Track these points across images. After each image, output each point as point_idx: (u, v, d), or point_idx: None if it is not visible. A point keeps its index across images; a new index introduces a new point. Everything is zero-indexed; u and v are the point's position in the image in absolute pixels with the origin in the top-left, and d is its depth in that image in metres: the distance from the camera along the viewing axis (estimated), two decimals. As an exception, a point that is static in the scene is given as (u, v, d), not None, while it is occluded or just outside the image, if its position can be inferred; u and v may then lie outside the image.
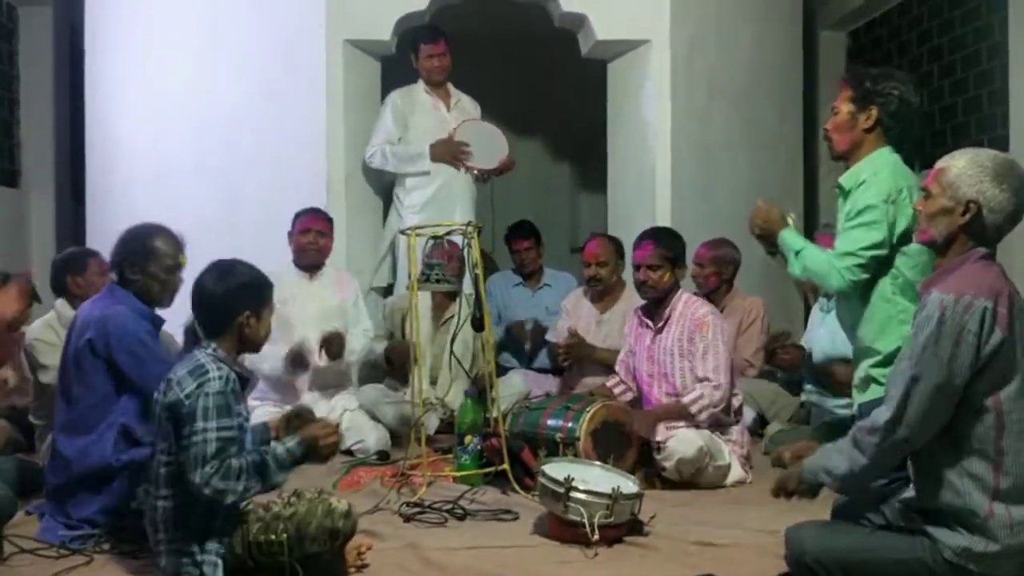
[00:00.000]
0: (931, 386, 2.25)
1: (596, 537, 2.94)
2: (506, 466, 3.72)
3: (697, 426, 3.82)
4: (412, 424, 3.99)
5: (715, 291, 4.96)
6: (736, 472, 3.86)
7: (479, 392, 4.07)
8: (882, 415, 2.32)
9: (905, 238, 2.90)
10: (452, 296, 4.81)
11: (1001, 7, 5.05)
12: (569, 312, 4.95)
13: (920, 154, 5.53)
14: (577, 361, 4.74)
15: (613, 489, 3.02)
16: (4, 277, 4.25)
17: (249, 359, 4.39)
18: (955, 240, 2.37)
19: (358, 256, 5.42)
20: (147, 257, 3.22)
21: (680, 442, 3.71)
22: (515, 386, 4.89)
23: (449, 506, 3.41)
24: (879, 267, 2.93)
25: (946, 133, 5.67)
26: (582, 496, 3.00)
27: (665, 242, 4.07)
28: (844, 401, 4.07)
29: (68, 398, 3.20)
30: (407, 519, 3.34)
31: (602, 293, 4.86)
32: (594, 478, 3.16)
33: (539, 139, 7.41)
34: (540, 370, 5.37)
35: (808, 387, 4.57)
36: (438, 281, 3.93)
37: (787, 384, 4.92)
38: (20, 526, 3.17)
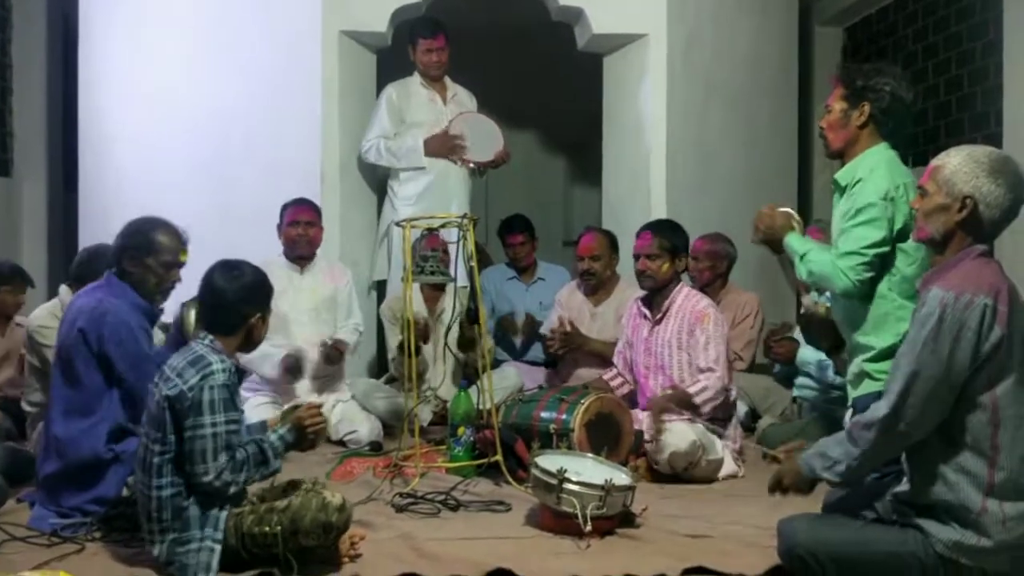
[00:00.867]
0: (930, 382, 2.26)
1: (588, 528, 2.94)
2: (499, 458, 3.72)
3: (692, 420, 3.83)
4: (405, 415, 3.99)
5: (709, 285, 4.98)
6: (728, 466, 3.87)
7: (471, 383, 4.07)
8: (880, 409, 2.33)
9: (903, 235, 2.90)
10: (441, 289, 4.80)
11: (996, 5, 5.06)
12: (563, 305, 4.96)
13: (913, 151, 5.56)
14: (570, 351, 4.74)
15: (606, 481, 3.02)
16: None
17: (246, 360, 4.42)
18: (953, 237, 2.38)
19: (352, 248, 5.40)
20: (147, 250, 3.21)
21: (673, 435, 3.71)
22: (508, 378, 4.90)
23: (442, 497, 3.42)
24: (882, 265, 2.93)
25: (940, 130, 5.69)
26: (575, 488, 3.00)
27: (665, 233, 4.08)
28: (835, 391, 4.10)
29: (61, 384, 3.19)
30: (400, 510, 3.34)
31: (595, 287, 4.87)
32: (587, 470, 3.17)
33: (534, 132, 7.41)
34: (533, 363, 5.37)
35: (799, 381, 4.59)
36: (432, 273, 3.93)
37: (781, 379, 4.94)
38: (11, 514, 3.18)
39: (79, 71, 5.64)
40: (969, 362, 2.25)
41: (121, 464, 3.06)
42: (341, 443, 4.47)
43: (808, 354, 4.37)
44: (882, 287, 2.95)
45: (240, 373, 2.76)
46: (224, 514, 2.61)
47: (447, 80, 5.47)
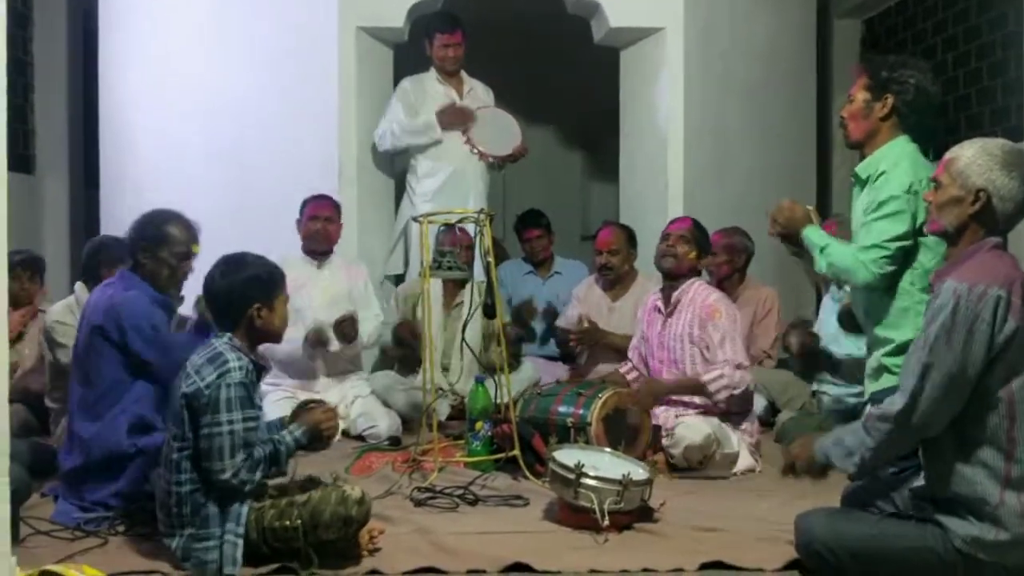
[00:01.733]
0: (944, 375, 2.26)
1: (606, 523, 2.95)
2: (517, 452, 3.73)
3: (707, 411, 3.82)
4: (423, 410, 4.01)
5: (727, 279, 4.95)
6: (745, 460, 3.86)
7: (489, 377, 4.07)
8: (895, 403, 2.32)
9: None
10: (462, 283, 4.82)
11: (1016, -3, 5.02)
12: (580, 300, 4.96)
13: (934, 144, 5.53)
14: (589, 347, 4.75)
15: (623, 475, 3.03)
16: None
17: (264, 348, 4.43)
18: (966, 229, 2.37)
19: (369, 244, 5.43)
20: (160, 242, 3.24)
21: (688, 428, 3.71)
22: (525, 373, 4.91)
23: (460, 491, 3.43)
24: (904, 258, 2.91)
25: (960, 123, 5.64)
26: (592, 482, 3.01)
27: (700, 227, 4.11)
28: (856, 389, 4.08)
29: (81, 382, 3.23)
30: (418, 504, 3.36)
31: (613, 281, 4.87)
32: (604, 464, 3.18)
33: (551, 127, 7.40)
34: (550, 357, 5.38)
35: (820, 376, 4.57)
36: (450, 268, 3.93)
37: (800, 373, 4.91)
38: (35, 508, 3.21)
39: (99, 68, 5.68)
40: (983, 354, 2.24)
41: (143, 458, 3.09)
42: (360, 438, 4.49)
43: (831, 347, 4.35)
44: (904, 281, 2.94)
45: (259, 370, 2.77)
46: (245, 508, 2.63)
47: (463, 75, 5.48)
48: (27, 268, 4.63)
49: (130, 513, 3.06)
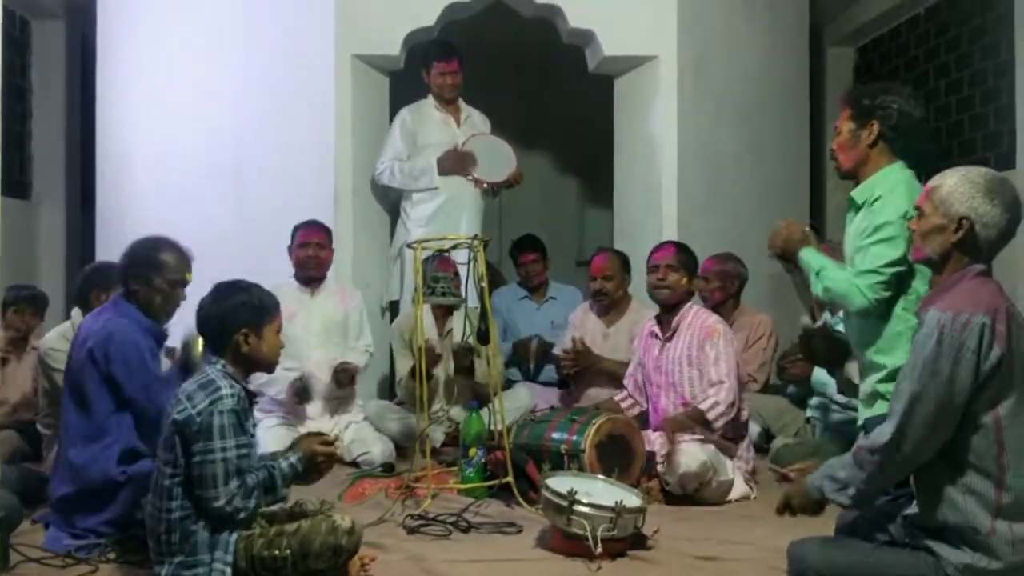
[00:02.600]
0: (931, 404, 2.25)
1: (599, 551, 2.94)
2: (510, 479, 3.72)
3: (704, 440, 3.82)
4: (417, 437, 4.00)
5: (721, 305, 4.97)
6: (740, 487, 3.86)
7: (482, 404, 4.07)
8: (883, 433, 2.32)
9: None
10: (450, 310, 4.81)
11: (1008, 25, 5.06)
12: (576, 326, 4.97)
13: (926, 170, 5.55)
14: (583, 371, 4.75)
15: (616, 503, 3.02)
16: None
17: (257, 384, 4.43)
18: (950, 257, 2.38)
19: (365, 270, 5.44)
20: (152, 269, 3.23)
21: (683, 456, 3.70)
22: (521, 399, 4.90)
23: (453, 518, 3.42)
24: (899, 284, 2.92)
25: (952, 149, 5.68)
26: (585, 509, 3.00)
27: (685, 250, 4.14)
28: (849, 411, 4.07)
29: (73, 408, 3.21)
30: (411, 531, 3.34)
31: (608, 307, 4.88)
32: (598, 491, 3.17)
33: (547, 153, 7.44)
34: (546, 383, 5.37)
35: (813, 401, 4.57)
36: (443, 294, 3.94)
37: (795, 400, 4.91)
38: (26, 535, 3.19)
39: (97, 95, 5.71)
40: (970, 382, 2.24)
41: (134, 486, 3.07)
42: (354, 464, 4.48)
43: (823, 375, 4.35)
44: (897, 307, 2.94)
45: (251, 397, 2.76)
46: (234, 537, 2.62)
47: (461, 102, 5.51)
48: (32, 304, 4.76)
49: (121, 540, 3.04)
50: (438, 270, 3.91)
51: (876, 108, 2.99)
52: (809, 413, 4.65)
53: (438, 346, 4.71)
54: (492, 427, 3.90)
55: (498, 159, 5.38)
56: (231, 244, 5.06)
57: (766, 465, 4.34)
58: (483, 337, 3.93)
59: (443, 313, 4.89)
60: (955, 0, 5.74)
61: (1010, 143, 5.03)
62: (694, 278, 4.13)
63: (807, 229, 3.20)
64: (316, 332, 4.65)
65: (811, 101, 6.27)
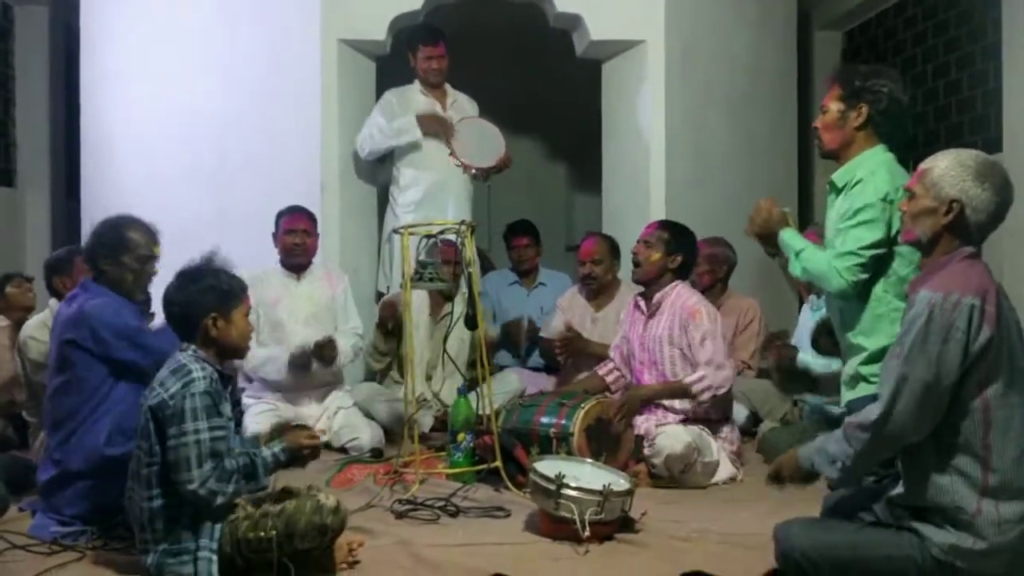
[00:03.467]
0: (920, 384, 2.26)
1: (587, 534, 2.95)
2: (499, 463, 3.73)
3: (686, 420, 3.82)
4: (405, 421, 4.00)
5: (709, 289, 4.97)
6: (726, 469, 3.87)
7: (471, 388, 4.07)
8: (872, 411, 2.33)
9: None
10: (448, 295, 4.80)
11: (995, 8, 5.07)
12: (564, 310, 4.97)
13: (913, 154, 5.56)
14: (573, 355, 4.75)
15: (604, 486, 3.02)
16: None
17: (250, 367, 4.41)
18: (940, 240, 2.38)
19: (352, 256, 5.42)
20: (120, 248, 3.22)
21: (668, 438, 3.71)
22: (510, 384, 4.91)
23: (441, 503, 3.42)
24: (878, 266, 2.93)
25: (940, 133, 5.69)
26: (573, 493, 3.01)
27: (670, 228, 4.10)
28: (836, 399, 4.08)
29: (56, 395, 3.20)
30: (399, 516, 3.34)
31: (596, 291, 4.88)
32: (585, 475, 3.18)
33: (535, 138, 7.42)
34: (535, 368, 5.38)
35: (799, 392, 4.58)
36: (431, 280, 3.92)
37: (780, 388, 4.91)
38: (12, 522, 3.19)
39: (81, 81, 5.67)
40: (959, 363, 2.25)
41: (121, 472, 3.05)
42: (343, 450, 4.48)
43: (808, 358, 4.36)
44: (877, 289, 2.95)
45: (225, 380, 2.74)
46: (219, 524, 2.61)
47: (447, 87, 5.49)
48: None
49: (108, 527, 3.04)
50: (431, 255, 3.89)
51: (867, 91, 2.98)
52: (796, 396, 4.66)
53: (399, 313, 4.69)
54: (480, 412, 3.90)
55: (486, 144, 5.34)
56: (217, 230, 4.97)
57: (754, 448, 4.36)
58: (470, 322, 3.93)
59: (438, 299, 4.89)
60: (942, -17, 5.75)
61: (997, 127, 5.05)
62: (673, 255, 4.04)
63: (787, 210, 3.20)
64: (303, 317, 4.62)
65: (799, 85, 6.27)
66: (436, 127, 5.23)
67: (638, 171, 5.57)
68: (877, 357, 2.83)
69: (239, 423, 4.23)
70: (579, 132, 6.60)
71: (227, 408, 2.69)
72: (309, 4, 5.28)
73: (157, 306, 3.35)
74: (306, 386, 4.63)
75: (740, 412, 4.49)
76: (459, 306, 4.09)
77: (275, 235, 4.68)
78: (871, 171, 2.96)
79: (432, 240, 3.91)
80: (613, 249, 4.89)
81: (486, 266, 6.13)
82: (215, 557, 2.58)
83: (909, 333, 2.29)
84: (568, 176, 7.61)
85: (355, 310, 4.85)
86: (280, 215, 4.68)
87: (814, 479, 2.55)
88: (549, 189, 7.51)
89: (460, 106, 5.48)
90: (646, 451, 3.79)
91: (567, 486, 3.01)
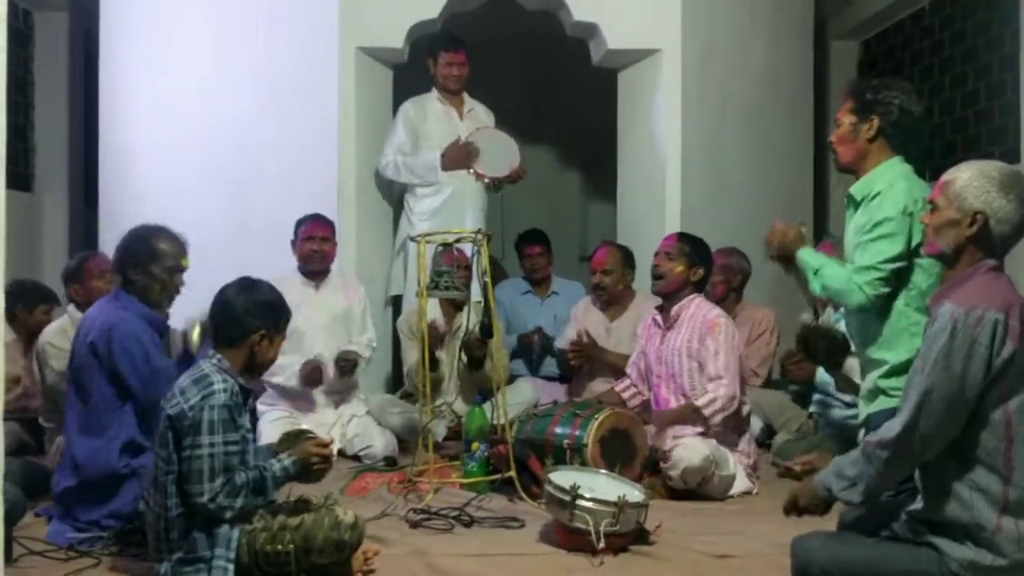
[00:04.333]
0: (943, 399, 2.24)
1: (602, 545, 2.94)
2: (513, 473, 3.72)
3: (704, 433, 3.81)
4: (420, 430, 4.00)
5: (723, 299, 4.96)
6: (742, 482, 3.85)
7: (485, 398, 4.07)
8: (894, 428, 2.31)
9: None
10: (459, 306, 4.80)
11: (1013, 19, 5.04)
12: (578, 320, 4.97)
13: (930, 165, 5.54)
14: (587, 362, 4.75)
15: (619, 497, 3.02)
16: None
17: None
18: (963, 252, 2.36)
19: (368, 264, 5.43)
20: (150, 258, 3.23)
21: (686, 450, 3.70)
22: (524, 393, 4.90)
23: (456, 513, 3.42)
24: (899, 279, 2.91)
25: (956, 144, 5.67)
26: (588, 504, 3.00)
27: (690, 240, 4.10)
28: (851, 408, 4.06)
29: (76, 400, 3.22)
30: (414, 525, 3.34)
31: (608, 301, 4.87)
32: (600, 486, 3.17)
33: (550, 147, 7.42)
34: (548, 378, 5.37)
35: (816, 398, 4.56)
36: (447, 288, 3.93)
37: (796, 398, 4.91)
38: (29, 528, 3.20)
39: (99, 87, 5.70)
40: (982, 378, 2.22)
41: (137, 479, 3.08)
42: (356, 458, 4.48)
43: (827, 375, 4.33)
44: (898, 302, 2.93)
45: (246, 393, 2.75)
46: (235, 533, 2.61)
47: (465, 95, 5.50)
48: (47, 298, 4.67)
49: (124, 534, 3.05)
50: (442, 264, 3.90)
51: (877, 103, 2.97)
52: (811, 409, 4.64)
53: (442, 326, 4.71)
54: (495, 421, 3.89)
55: (501, 153, 5.37)
56: (234, 235, 5.06)
57: (768, 461, 4.34)
58: (486, 331, 3.93)
59: (451, 310, 4.89)
60: (960, -6, 5.73)
61: (1015, 138, 5.02)
62: (695, 268, 4.04)
63: (802, 228, 3.19)
64: (320, 325, 4.65)
65: (815, 95, 6.25)
66: (460, 160, 5.25)
67: (654, 180, 5.56)
68: (898, 370, 2.81)
69: (253, 428, 4.24)
70: (594, 141, 6.60)
71: (246, 420, 2.69)
72: (327, 12, 5.30)
73: (175, 318, 3.38)
74: (320, 394, 4.64)
75: (755, 424, 4.46)
76: (472, 315, 4.08)
77: (294, 242, 4.71)
78: (889, 183, 2.94)
79: (441, 249, 3.91)
80: (626, 259, 4.88)
81: (499, 275, 6.13)
82: (231, 566, 2.58)
83: (932, 348, 2.26)
84: (583, 185, 7.60)
85: (371, 321, 4.87)
86: (299, 223, 4.70)
87: (830, 507, 2.53)
88: (564, 198, 7.51)
89: (476, 115, 5.50)
90: (662, 463, 3.78)
91: (582, 497, 3.00)
